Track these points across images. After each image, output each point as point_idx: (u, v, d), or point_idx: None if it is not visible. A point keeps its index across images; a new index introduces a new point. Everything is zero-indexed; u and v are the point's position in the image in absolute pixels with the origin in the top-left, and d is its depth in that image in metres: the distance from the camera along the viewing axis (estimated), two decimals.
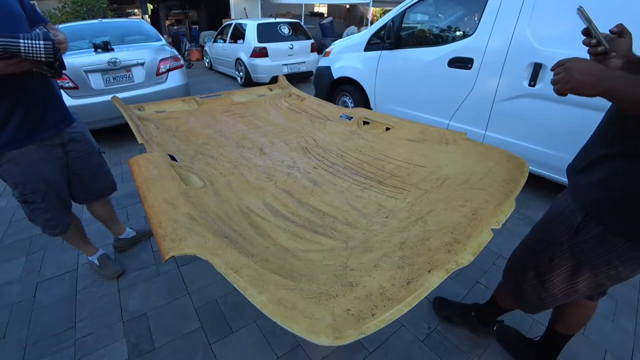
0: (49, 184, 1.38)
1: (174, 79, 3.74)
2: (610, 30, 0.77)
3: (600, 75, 0.65)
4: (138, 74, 3.48)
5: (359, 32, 6.06)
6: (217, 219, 0.87)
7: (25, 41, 0.98)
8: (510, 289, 1.12)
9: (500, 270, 1.79)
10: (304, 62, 6.33)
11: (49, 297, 1.66)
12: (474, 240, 0.74)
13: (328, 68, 3.81)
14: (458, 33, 2.64)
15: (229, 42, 6.88)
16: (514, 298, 1.11)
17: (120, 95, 3.10)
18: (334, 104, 1.95)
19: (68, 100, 3.13)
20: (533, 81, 2.09)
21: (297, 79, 6.52)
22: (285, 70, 6.10)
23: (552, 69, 0.75)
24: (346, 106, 3.74)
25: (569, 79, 0.69)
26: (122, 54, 3.35)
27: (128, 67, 3.40)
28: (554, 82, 0.74)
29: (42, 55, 1.01)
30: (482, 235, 0.76)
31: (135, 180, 0.91)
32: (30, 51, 0.99)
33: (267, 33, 6.08)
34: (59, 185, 1.44)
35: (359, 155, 1.40)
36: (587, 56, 0.79)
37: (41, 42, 1.00)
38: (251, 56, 5.98)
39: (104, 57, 3.25)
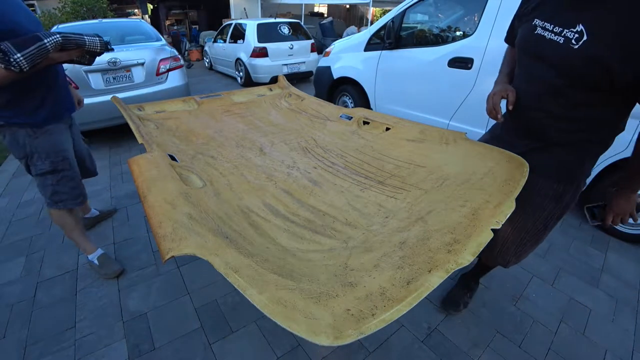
0: (71, 155, 1.61)
1: (174, 79, 3.74)
2: None
3: (633, 200, 0.98)
4: (138, 74, 3.48)
5: (359, 32, 6.06)
6: (217, 219, 0.87)
7: (89, 37, 1.31)
8: (506, 262, 1.30)
9: (500, 270, 1.79)
10: (304, 62, 6.33)
11: (49, 297, 1.66)
12: (474, 240, 0.74)
13: (328, 68, 3.81)
14: (458, 33, 2.64)
15: (229, 42, 6.88)
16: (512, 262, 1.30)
17: (120, 95, 3.11)
18: (334, 104, 1.95)
19: None
20: None
21: (297, 79, 6.52)
22: (285, 70, 6.10)
23: (608, 223, 1.04)
24: (346, 106, 3.74)
25: (626, 218, 1.01)
26: (122, 54, 3.35)
27: (128, 67, 3.40)
28: (615, 225, 1.05)
29: (98, 48, 1.36)
30: (482, 235, 0.75)
31: (136, 180, 0.91)
32: (92, 45, 1.32)
33: (267, 33, 6.08)
34: (74, 159, 1.65)
35: (359, 155, 1.40)
36: None
37: (97, 38, 1.35)
38: (251, 56, 5.97)
39: (104, 57, 3.24)
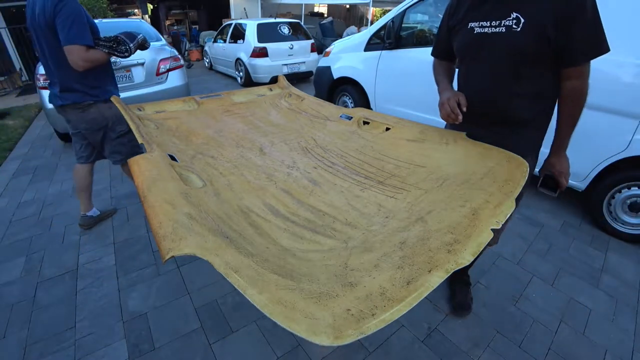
0: None
1: (174, 79, 3.73)
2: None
3: (567, 157, 1.14)
4: (138, 74, 3.48)
5: (359, 32, 6.06)
6: (217, 219, 0.87)
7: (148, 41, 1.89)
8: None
9: (500, 271, 1.80)
10: (304, 62, 6.33)
11: (49, 297, 1.66)
12: (474, 240, 0.74)
13: (328, 68, 3.81)
14: None
15: (229, 42, 6.88)
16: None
17: (120, 95, 3.10)
18: (334, 104, 1.95)
19: None
20: None
21: (297, 79, 6.52)
22: (285, 70, 6.10)
23: (563, 184, 1.15)
24: (346, 106, 3.74)
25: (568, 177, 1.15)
26: None
27: (128, 67, 3.40)
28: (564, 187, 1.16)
29: (147, 46, 1.89)
30: (482, 235, 0.75)
31: (135, 180, 0.91)
32: (146, 44, 1.87)
33: (267, 33, 6.08)
34: None
35: (359, 155, 1.40)
36: None
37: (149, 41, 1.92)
38: (251, 56, 5.97)
39: None
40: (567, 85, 1.04)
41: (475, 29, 1.09)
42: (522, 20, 0.99)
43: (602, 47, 0.98)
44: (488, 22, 1.06)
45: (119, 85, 3.39)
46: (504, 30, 1.03)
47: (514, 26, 1.01)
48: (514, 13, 1.00)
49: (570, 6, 0.93)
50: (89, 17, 1.64)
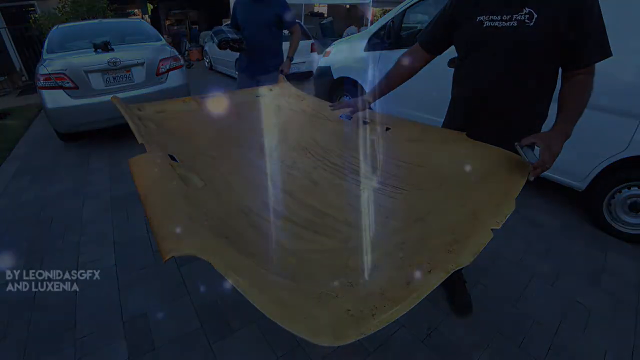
0: None
1: (174, 79, 3.73)
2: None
3: (563, 141, 0.94)
4: (138, 74, 3.48)
5: (358, 32, 6.05)
6: (217, 219, 0.87)
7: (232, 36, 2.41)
8: None
9: (500, 270, 1.80)
10: (304, 62, 6.32)
11: (49, 297, 1.66)
12: (474, 240, 0.74)
13: (328, 68, 3.81)
14: None
15: None
16: None
17: (120, 95, 3.08)
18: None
19: (68, 101, 3.13)
20: None
21: (297, 79, 6.51)
22: None
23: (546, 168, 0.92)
24: None
25: (554, 160, 0.92)
26: (122, 54, 3.35)
27: (128, 67, 3.40)
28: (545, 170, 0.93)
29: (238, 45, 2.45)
30: (482, 235, 0.75)
31: (135, 180, 0.91)
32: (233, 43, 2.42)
33: None
34: None
35: (358, 156, 1.40)
36: None
37: (237, 36, 2.41)
38: None
39: (104, 57, 3.25)
40: (574, 78, 1.04)
41: (485, 22, 1.08)
42: (535, 15, 0.99)
43: (609, 50, 0.99)
44: (498, 16, 1.05)
45: (118, 86, 3.46)
46: (515, 24, 1.02)
47: (526, 21, 1.00)
48: (527, 8, 1.00)
49: (584, 4, 0.94)
50: (238, 12, 2.41)
